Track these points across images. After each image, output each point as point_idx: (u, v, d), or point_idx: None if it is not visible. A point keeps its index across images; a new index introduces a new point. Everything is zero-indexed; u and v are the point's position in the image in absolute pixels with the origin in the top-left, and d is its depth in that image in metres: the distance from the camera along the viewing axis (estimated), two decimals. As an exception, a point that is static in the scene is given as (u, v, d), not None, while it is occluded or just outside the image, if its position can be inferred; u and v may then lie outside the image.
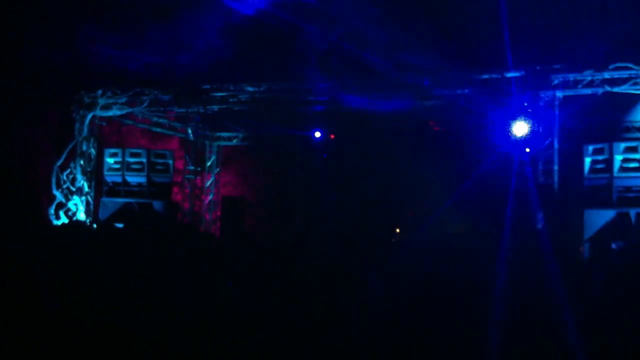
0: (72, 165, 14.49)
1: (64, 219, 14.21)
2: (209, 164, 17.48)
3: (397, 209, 16.85)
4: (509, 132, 12.54)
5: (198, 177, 16.28)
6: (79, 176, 14.53)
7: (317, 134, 15.57)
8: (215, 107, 14.15)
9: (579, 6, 11.47)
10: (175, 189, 15.68)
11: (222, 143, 17.86)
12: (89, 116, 14.54)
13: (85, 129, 14.53)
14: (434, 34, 11.18)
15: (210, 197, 17.48)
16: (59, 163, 14.38)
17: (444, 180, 15.26)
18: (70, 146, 14.48)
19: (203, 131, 16.15)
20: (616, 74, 11.26)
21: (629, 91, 11.30)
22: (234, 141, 17.78)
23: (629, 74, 11.19)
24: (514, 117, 12.21)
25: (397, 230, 16.72)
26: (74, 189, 14.49)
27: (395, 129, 15.40)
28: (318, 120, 15.20)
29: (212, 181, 17.59)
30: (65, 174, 14.43)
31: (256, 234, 16.24)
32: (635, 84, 11.17)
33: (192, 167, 15.34)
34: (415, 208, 16.66)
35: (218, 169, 17.82)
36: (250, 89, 13.64)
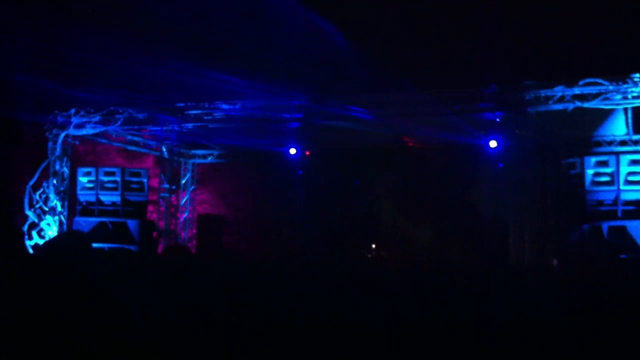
0: (45, 184, 14.33)
1: (36, 239, 14.02)
2: (183, 181, 17.38)
3: (372, 224, 16.88)
4: (483, 147, 12.69)
5: (173, 196, 16.18)
6: (52, 196, 14.36)
7: (292, 151, 15.50)
8: (190, 125, 14.11)
9: (549, 24, 11.68)
10: (150, 207, 15.56)
11: (197, 161, 17.79)
12: (62, 135, 14.41)
13: (58, 148, 14.39)
14: (406, 52, 11.30)
15: (185, 214, 17.37)
16: (31, 183, 14.21)
17: (420, 194, 15.38)
18: (43, 166, 14.32)
19: (178, 149, 16.07)
20: (586, 90, 11.46)
21: (598, 106, 11.51)
22: (209, 158, 17.72)
23: (599, 90, 11.39)
24: (487, 134, 12.37)
25: (373, 246, 16.75)
26: (46, 209, 14.31)
27: (369, 145, 15.48)
28: (293, 137, 15.18)
29: (187, 199, 17.49)
30: (38, 193, 14.26)
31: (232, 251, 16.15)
32: (605, 99, 11.38)
33: (167, 186, 15.25)
34: (390, 223, 16.73)
35: (193, 187, 17.73)
36: (225, 106, 13.64)
